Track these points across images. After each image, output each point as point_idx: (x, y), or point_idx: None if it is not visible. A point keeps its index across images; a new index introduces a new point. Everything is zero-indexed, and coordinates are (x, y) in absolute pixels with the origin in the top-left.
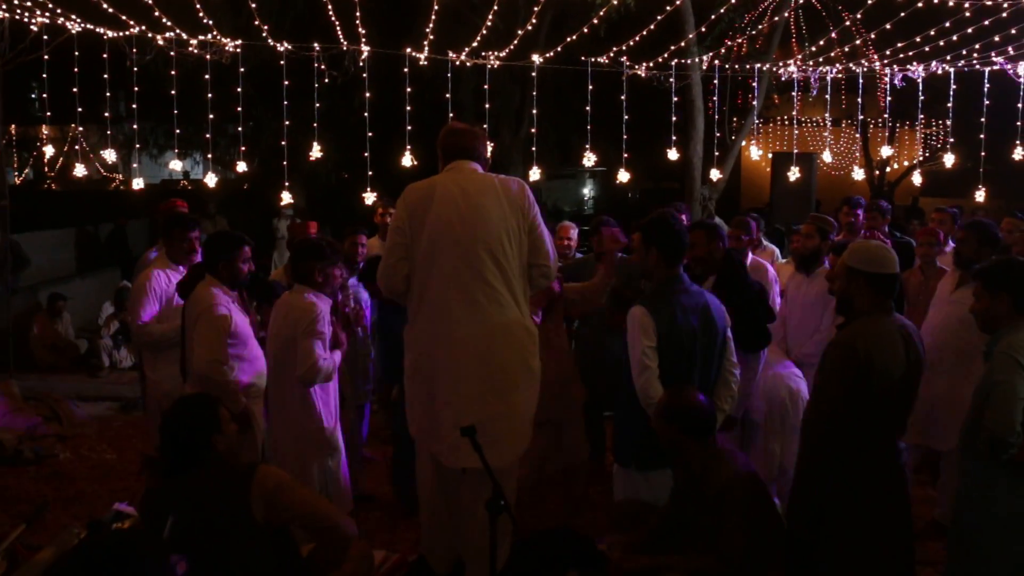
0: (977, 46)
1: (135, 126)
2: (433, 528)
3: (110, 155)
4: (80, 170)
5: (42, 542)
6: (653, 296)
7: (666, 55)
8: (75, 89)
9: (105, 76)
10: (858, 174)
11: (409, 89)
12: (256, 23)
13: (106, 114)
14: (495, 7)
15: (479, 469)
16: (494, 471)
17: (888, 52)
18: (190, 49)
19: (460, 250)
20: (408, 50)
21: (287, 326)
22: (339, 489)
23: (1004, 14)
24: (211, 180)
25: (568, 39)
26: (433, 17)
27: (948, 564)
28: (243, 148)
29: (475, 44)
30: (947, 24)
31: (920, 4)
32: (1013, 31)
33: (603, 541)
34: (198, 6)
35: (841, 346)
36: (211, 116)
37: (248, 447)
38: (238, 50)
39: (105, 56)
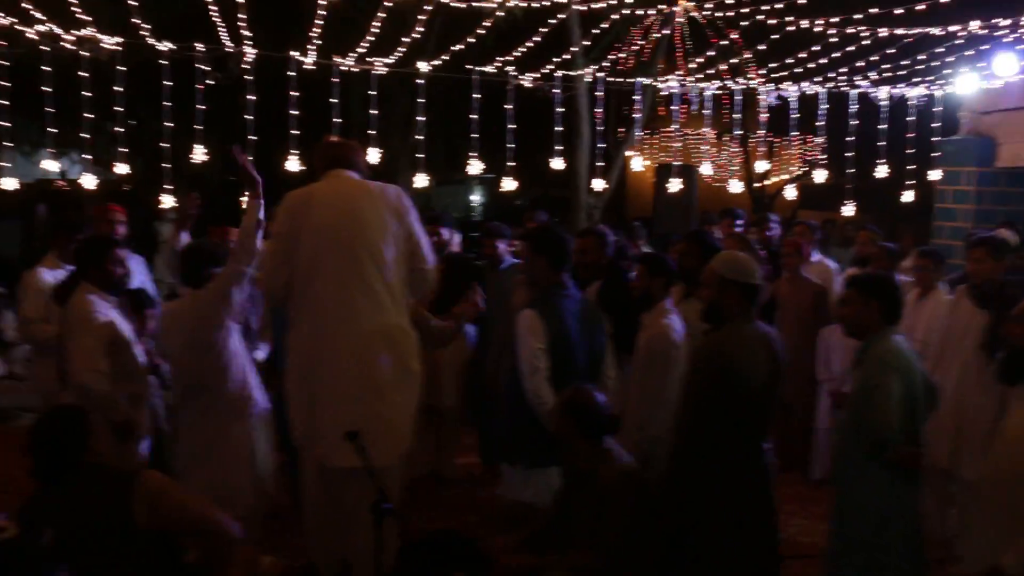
0: (844, 69)
1: (4, 123)
2: (319, 532)
3: None
4: None
5: None
6: (542, 300)
7: (551, 67)
8: None
9: None
10: (736, 187)
11: (296, 93)
12: (135, 21)
13: None
14: (382, 13)
15: (363, 471)
16: (376, 470)
17: (763, 71)
18: (63, 44)
19: (342, 253)
20: (293, 53)
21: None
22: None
23: (866, 41)
24: (88, 181)
25: (453, 48)
26: (318, 21)
27: (828, 552)
28: (124, 149)
29: (362, 49)
30: (817, 48)
31: (791, 28)
32: (874, 58)
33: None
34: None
35: (707, 351)
36: (88, 115)
37: (128, 456)
38: (118, 47)
39: None
